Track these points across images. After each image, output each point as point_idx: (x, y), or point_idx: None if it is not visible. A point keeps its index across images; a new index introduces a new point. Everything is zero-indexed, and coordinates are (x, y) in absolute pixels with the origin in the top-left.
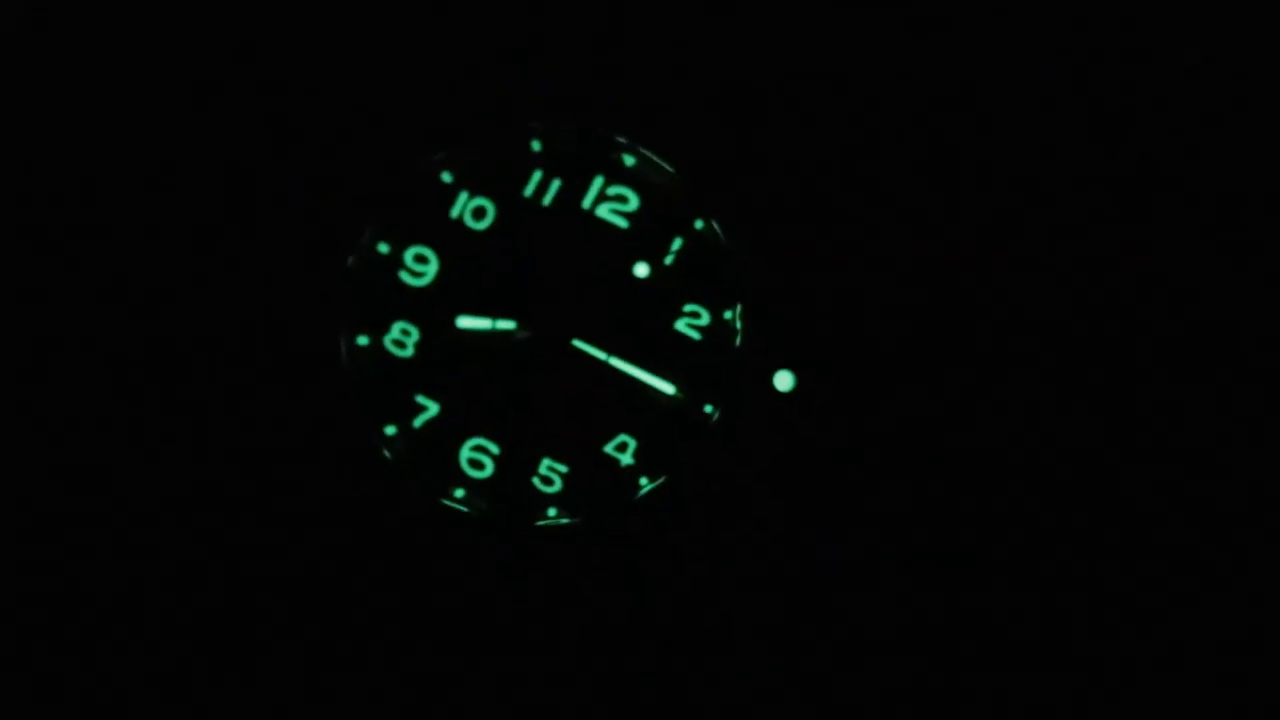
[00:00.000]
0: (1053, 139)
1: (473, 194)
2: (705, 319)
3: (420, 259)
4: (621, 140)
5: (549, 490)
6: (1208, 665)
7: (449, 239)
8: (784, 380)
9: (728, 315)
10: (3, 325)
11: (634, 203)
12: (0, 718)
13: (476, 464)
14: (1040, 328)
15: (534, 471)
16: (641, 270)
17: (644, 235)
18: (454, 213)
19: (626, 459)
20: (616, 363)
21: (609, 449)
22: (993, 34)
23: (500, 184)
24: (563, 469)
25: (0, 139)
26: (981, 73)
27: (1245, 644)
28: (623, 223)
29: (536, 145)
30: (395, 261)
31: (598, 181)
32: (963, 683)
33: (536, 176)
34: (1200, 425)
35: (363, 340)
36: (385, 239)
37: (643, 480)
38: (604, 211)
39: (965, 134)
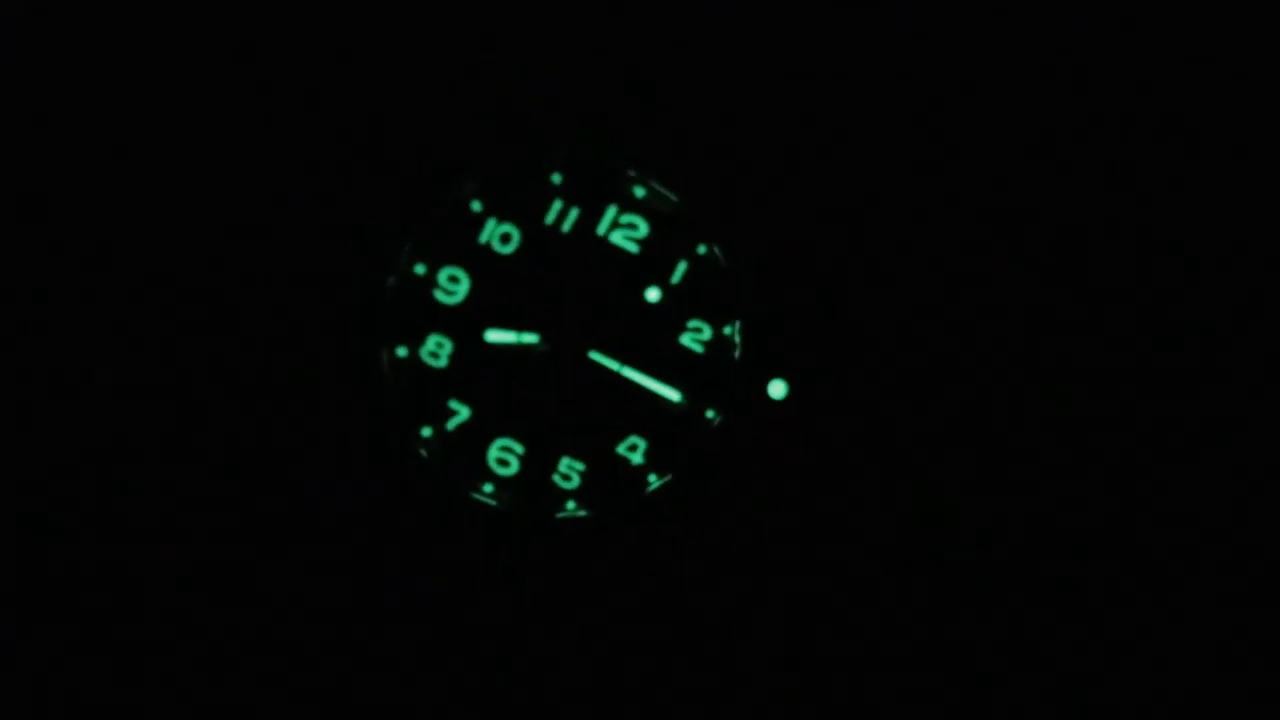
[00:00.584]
0: (1055, 154)
1: (500, 221)
2: (707, 334)
3: (453, 279)
4: (633, 174)
5: (568, 486)
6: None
7: (478, 261)
8: (777, 389)
9: (727, 330)
10: (48, 334)
11: (643, 229)
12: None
13: (503, 462)
14: (1036, 335)
15: (554, 469)
16: (653, 295)
17: (652, 258)
18: (482, 238)
19: (637, 458)
20: (628, 373)
21: (621, 449)
22: (994, 55)
23: (524, 212)
24: (580, 467)
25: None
26: (978, 98)
27: (1244, 645)
28: (634, 247)
29: (557, 178)
30: (430, 281)
31: (611, 210)
32: (955, 677)
33: (557, 206)
34: (1202, 428)
35: (402, 352)
36: (421, 261)
37: (651, 477)
38: (617, 237)
39: (956, 155)
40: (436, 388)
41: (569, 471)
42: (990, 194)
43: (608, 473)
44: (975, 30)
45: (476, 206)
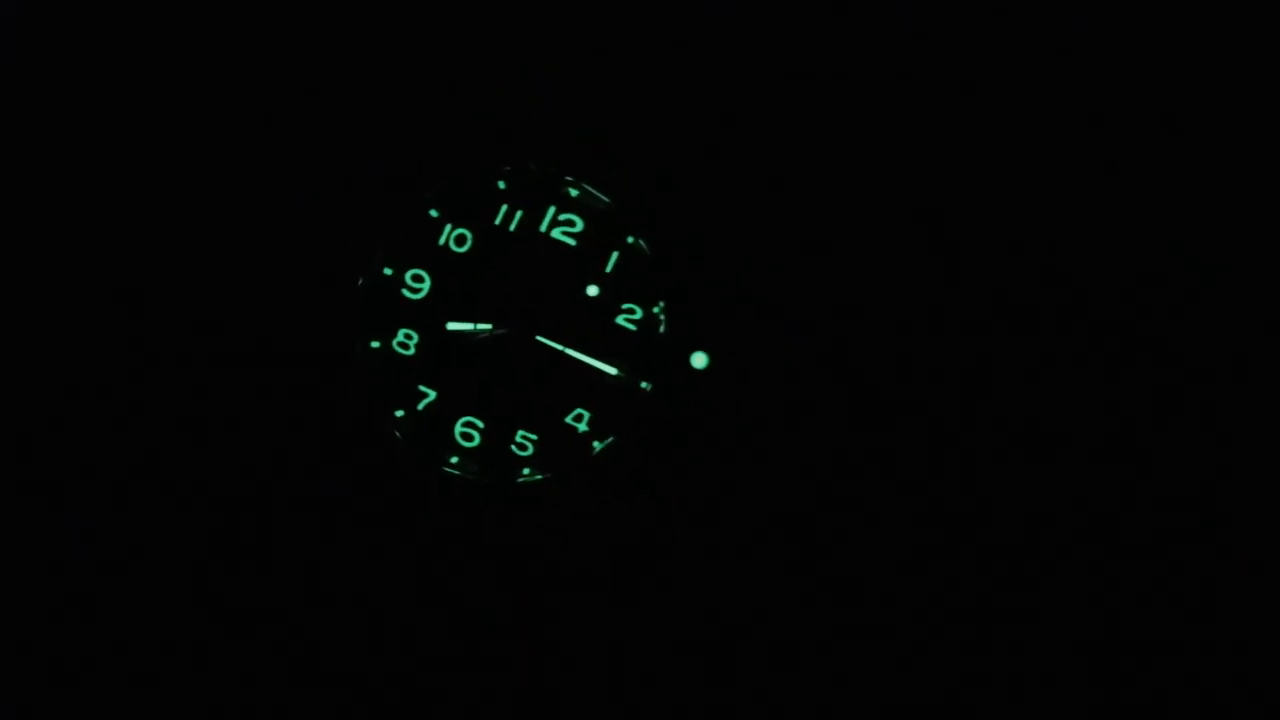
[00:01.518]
0: (941, 118)
1: (455, 225)
2: (639, 314)
3: (417, 278)
4: (569, 179)
5: (523, 454)
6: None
7: (438, 261)
8: (699, 359)
9: (655, 310)
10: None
11: (580, 225)
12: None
13: (467, 436)
14: (946, 314)
15: (511, 440)
16: (593, 290)
17: (588, 250)
18: (441, 241)
19: (582, 427)
20: (571, 352)
21: (568, 420)
22: (909, 42)
23: (475, 216)
24: (534, 437)
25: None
26: (878, 75)
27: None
28: (572, 241)
29: (502, 185)
30: (398, 281)
31: (551, 210)
32: (872, 625)
33: (503, 209)
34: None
35: (375, 344)
36: (388, 264)
37: (595, 443)
38: (556, 234)
39: (861, 142)
40: (407, 374)
41: (524, 441)
42: (900, 174)
43: (558, 440)
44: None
45: (434, 213)
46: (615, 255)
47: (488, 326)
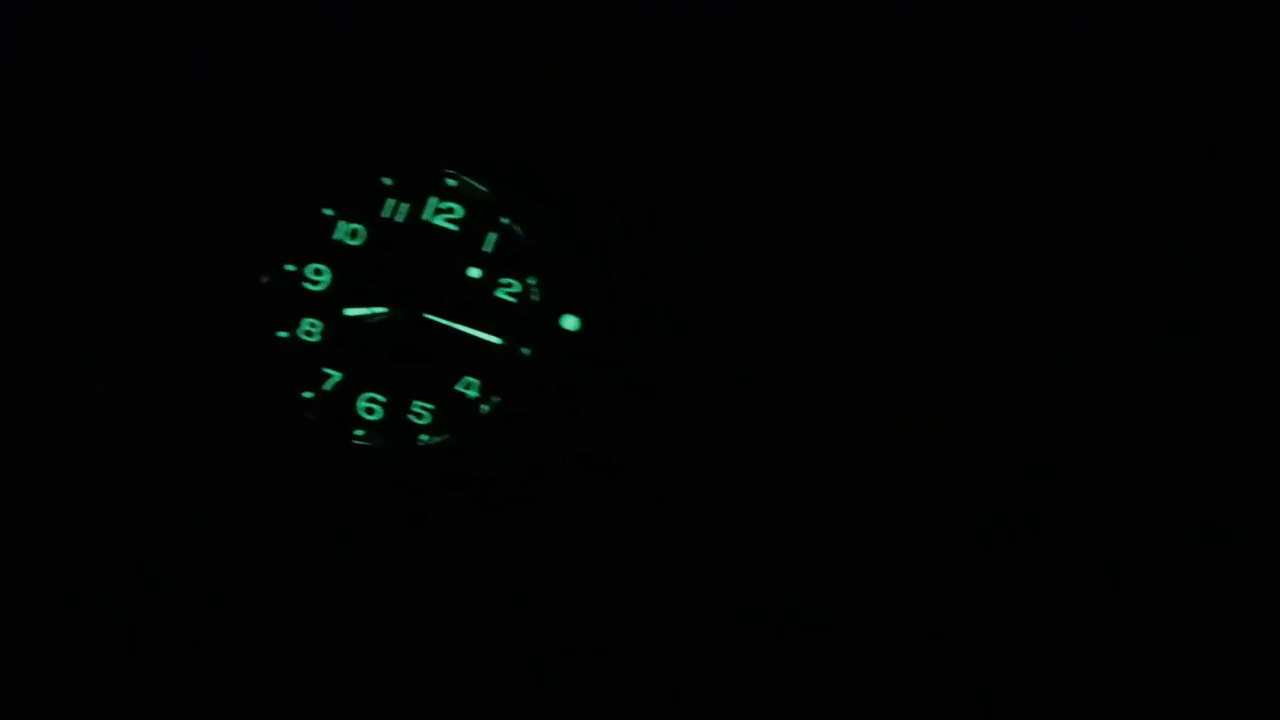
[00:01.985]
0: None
1: (348, 221)
2: (517, 287)
3: (317, 271)
4: (448, 171)
5: (421, 423)
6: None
7: (335, 255)
8: (570, 322)
9: (531, 282)
10: None
11: (460, 212)
12: None
13: (370, 410)
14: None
15: (409, 411)
16: (474, 272)
17: (469, 234)
18: (336, 236)
19: (472, 393)
20: (458, 327)
21: (459, 387)
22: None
23: (365, 211)
24: (430, 406)
25: None
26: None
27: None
28: (454, 227)
29: (388, 181)
30: (300, 275)
31: (433, 201)
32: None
33: (390, 203)
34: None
35: (283, 334)
36: (290, 260)
37: (484, 406)
38: (439, 221)
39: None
40: (314, 359)
41: (421, 411)
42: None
43: (451, 407)
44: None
45: (328, 211)
46: (493, 236)
47: (382, 310)
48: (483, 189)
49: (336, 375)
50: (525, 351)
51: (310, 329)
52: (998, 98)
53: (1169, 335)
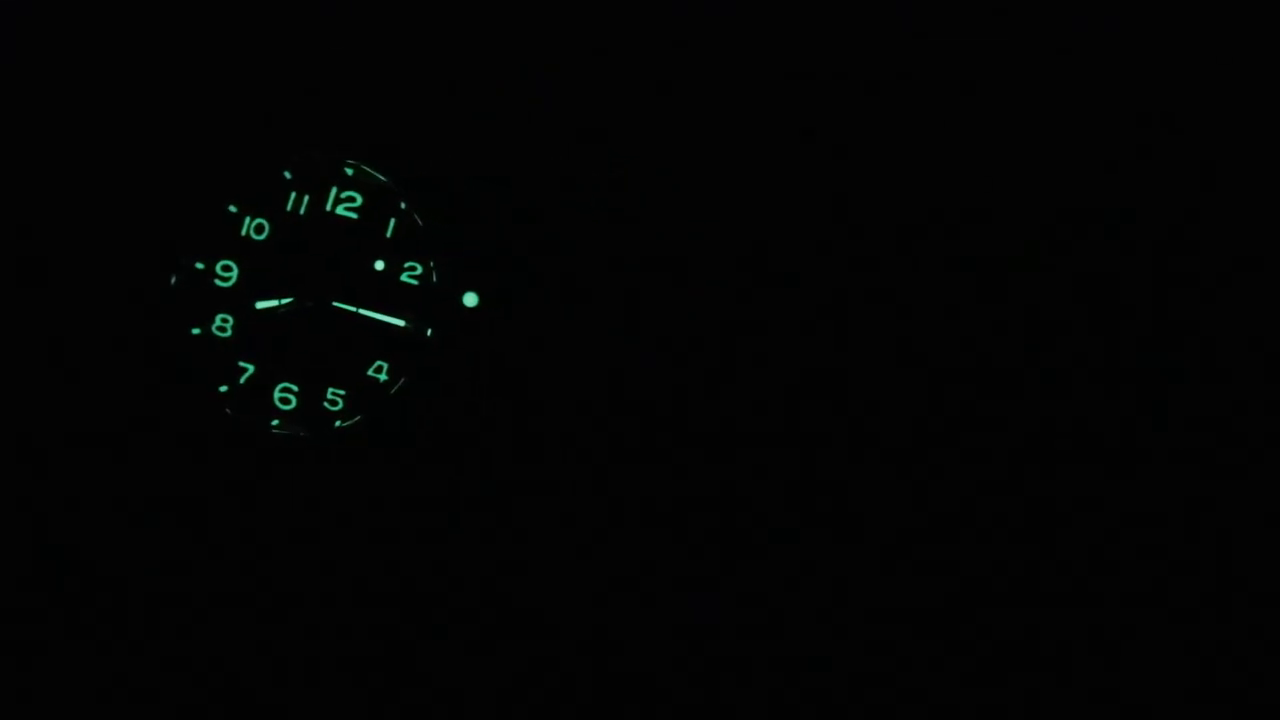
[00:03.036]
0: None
1: (253, 216)
2: (419, 270)
3: (226, 268)
4: (346, 161)
5: (335, 409)
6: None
7: (242, 250)
8: (470, 299)
9: (430, 264)
10: None
11: (360, 200)
12: None
13: (285, 400)
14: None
15: (324, 398)
16: (379, 265)
17: (369, 221)
18: (243, 231)
19: (383, 376)
20: (365, 313)
21: (370, 372)
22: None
23: (269, 205)
24: (342, 393)
25: None
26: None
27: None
28: (354, 215)
29: (288, 174)
30: (210, 273)
31: (333, 191)
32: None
33: (293, 196)
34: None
35: (196, 330)
36: (198, 259)
37: (393, 389)
38: (341, 210)
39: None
40: (228, 353)
41: (334, 397)
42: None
43: (363, 391)
44: None
45: (233, 208)
46: (393, 221)
47: (290, 300)
48: (380, 177)
49: (250, 368)
50: (429, 332)
51: (223, 324)
52: (997, 98)
53: (1170, 335)
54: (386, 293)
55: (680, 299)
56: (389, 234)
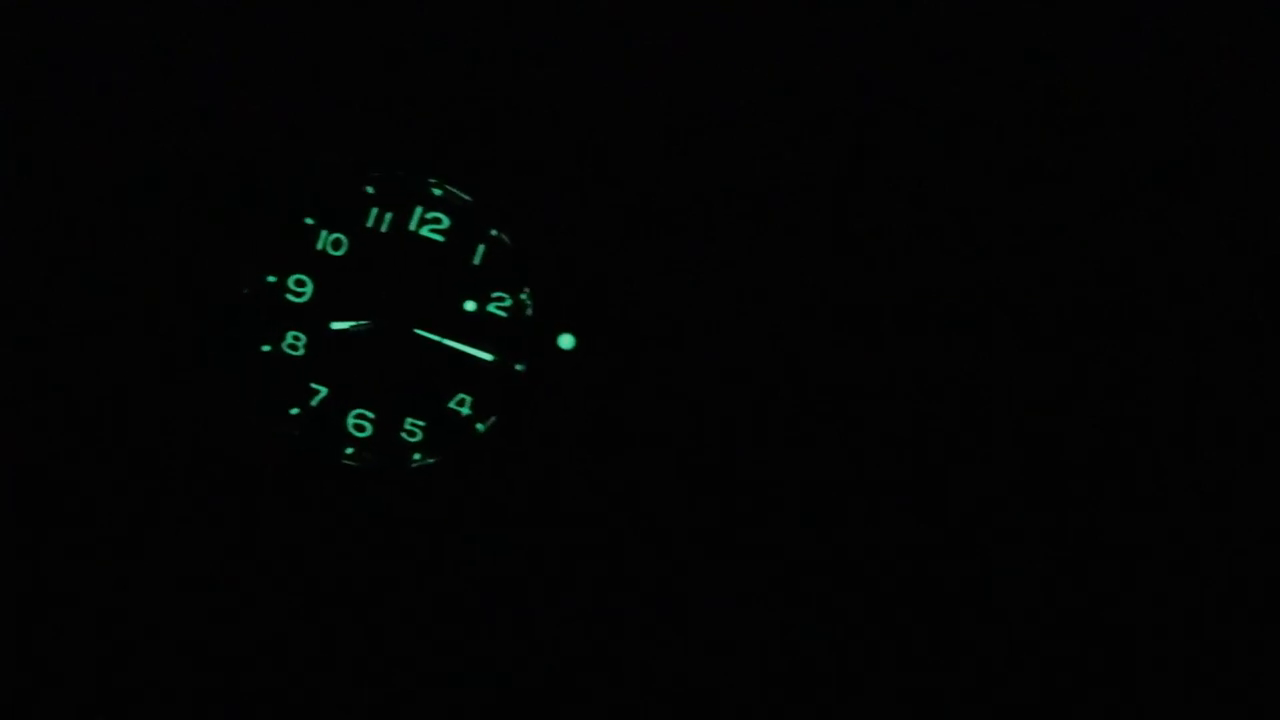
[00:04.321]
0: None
1: (330, 231)
2: (508, 301)
3: (300, 283)
4: (431, 180)
5: (413, 440)
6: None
7: (318, 265)
8: (566, 341)
9: (523, 297)
10: None
11: (446, 222)
12: None
13: (359, 427)
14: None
15: (401, 428)
16: (470, 305)
17: (456, 245)
18: (318, 246)
19: (465, 410)
20: (448, 342)
21: (452, 405)
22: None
23: (348, 221)
24: (421, 424)
25: None
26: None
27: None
28: (440, 238)
29: (370, 190)
30: (282, 287)
31: (418, 210)
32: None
33: (374, 212)
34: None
35: (266, 348)
36: (271, 272)
37: (479, 425)
38: (425, 231)
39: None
40: (299, 374)
41: (413, 429)
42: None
43: (444, 425)
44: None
45: (309, 221)
46: (481, 248)
47: (368, 323)
48: (467, 198)
49: (323, 390)
50: (519, 368)
51: (295, 342)
52: (997, 98)
53: (1169, 336)
54: (472, 323)
55: (818, 367)
56: (476, 261)
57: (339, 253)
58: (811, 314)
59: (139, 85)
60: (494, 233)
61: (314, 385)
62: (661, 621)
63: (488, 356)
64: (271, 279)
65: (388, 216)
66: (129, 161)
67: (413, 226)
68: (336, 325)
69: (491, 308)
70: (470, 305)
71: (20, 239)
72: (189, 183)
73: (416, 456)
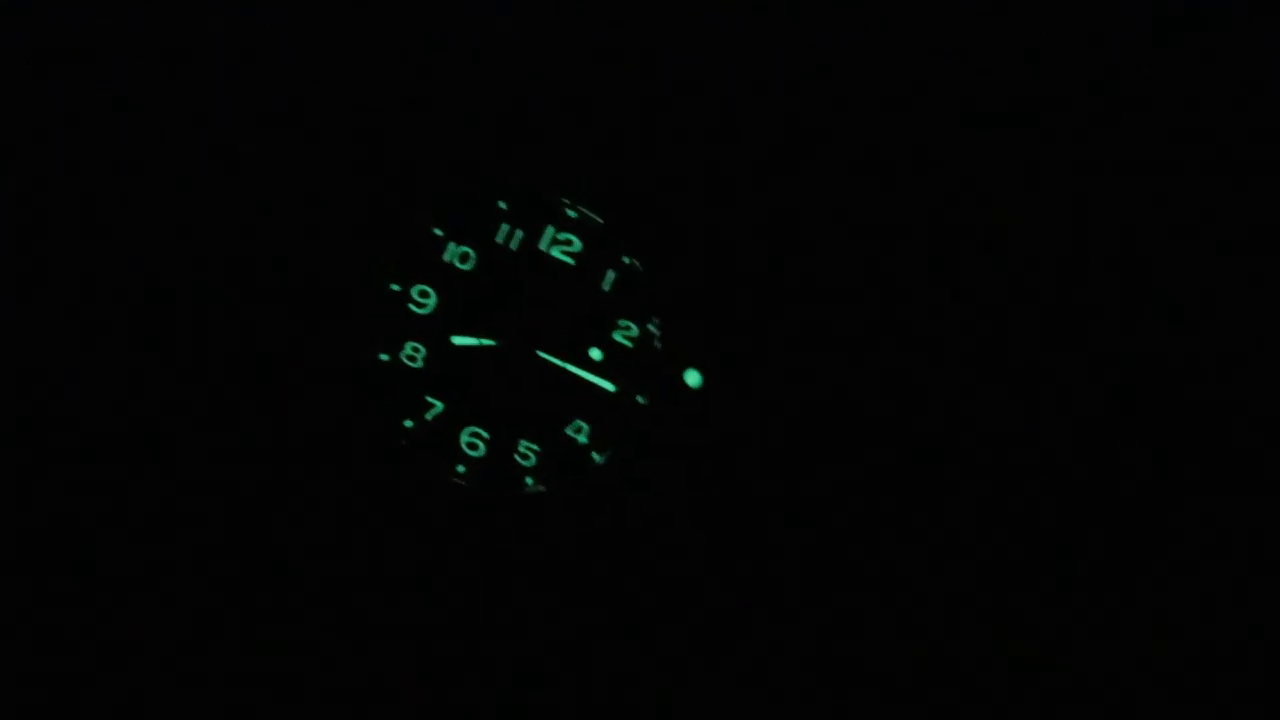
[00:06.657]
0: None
1: (458, 243)
2: (634, 331)
3: (423, 294)
4: (565, 200)
5: (526, 464)
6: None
7: (443, 277)
8: (693, 378)
9: (651, 327)
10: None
11: (577, 245)
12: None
13: (473, 446)
14: (942, 326)
15: (515, 450)
16: (595, 354)
17: (586, 269)
18: (445, 257)
19: (582, 439)
20: (571, 368)
21: (569, 431)
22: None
23: (478, 235)
24: (536, 447)
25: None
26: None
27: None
28: (570, 260)
29: (503, 205)
30: (405, 296)
31: (549, 230)
32: (882, 641)
33: (505, 228)
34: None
35: (384, 357)
36: (396, 280)
37: (595, 455)
38: (556, 252)
39: (841, 155)
40: (415, 386)
41: (527, 451)
42: (896, 186)
43: (559, 451)
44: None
45: (438, 232)
46: (611, 274)
47: (491, 341)
48: (601, 221)
49: (439, 405)
50: (641, 400)
51: (414, 354)
52: (997, 99)
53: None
54: (596, 350)
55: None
56: (606, 287)
57: (466, 266)
58: (939, 365)
59: (280, 89)
60: (626, 260)
61: (429, 399)
62: (773, 688)
63: (609, 386)
64: (396, 287)
65: (518, 234)
66: (266, 163)
67: (543, 246)
68: (459, 340)
69: (617, 335)
70: (596, 353)
71: (142, 242)
72: (322, 181)
73: (529, 481)
